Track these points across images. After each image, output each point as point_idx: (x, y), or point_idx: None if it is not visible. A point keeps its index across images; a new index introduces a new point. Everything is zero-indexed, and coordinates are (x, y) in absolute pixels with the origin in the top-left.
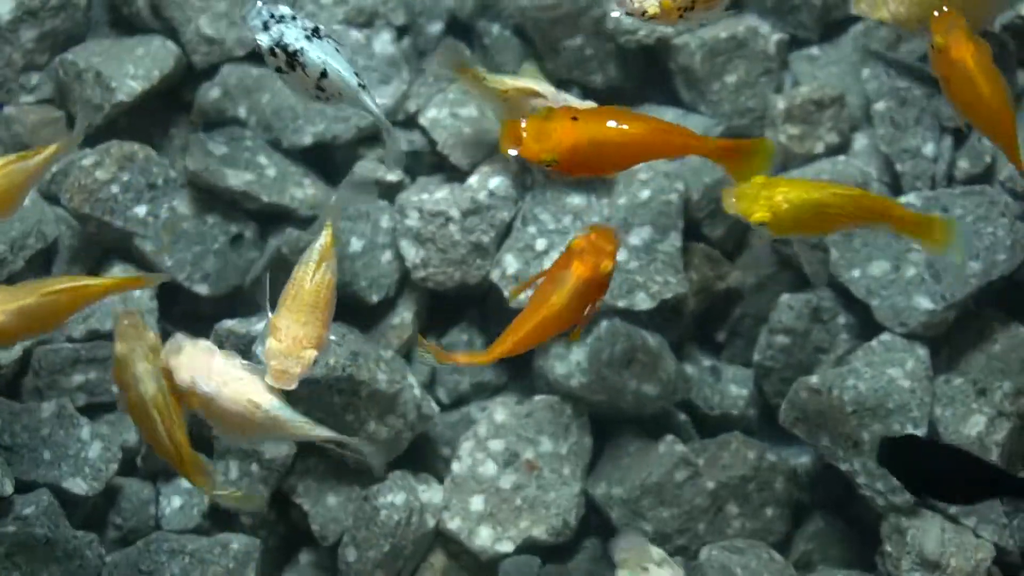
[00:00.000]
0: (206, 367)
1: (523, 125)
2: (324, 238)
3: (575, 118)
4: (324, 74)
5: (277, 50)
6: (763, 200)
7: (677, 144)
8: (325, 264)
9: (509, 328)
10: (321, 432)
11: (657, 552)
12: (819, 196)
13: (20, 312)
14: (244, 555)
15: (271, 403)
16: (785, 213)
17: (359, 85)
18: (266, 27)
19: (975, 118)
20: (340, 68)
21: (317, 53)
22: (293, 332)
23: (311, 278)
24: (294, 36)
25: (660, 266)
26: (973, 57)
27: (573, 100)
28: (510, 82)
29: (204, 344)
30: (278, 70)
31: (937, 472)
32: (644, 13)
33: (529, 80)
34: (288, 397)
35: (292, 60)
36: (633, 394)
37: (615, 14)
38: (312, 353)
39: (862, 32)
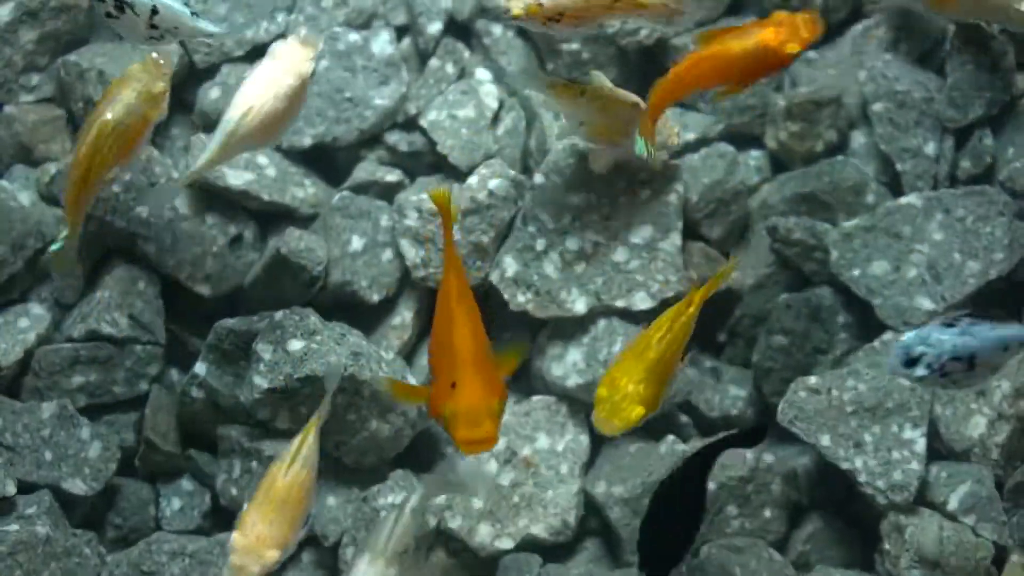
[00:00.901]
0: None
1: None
2: (301, 435)
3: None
4: (155, 11)
5: None
6: (626, 402)
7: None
8: (302, 459)
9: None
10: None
11: None
12: (655, 353)
13: None
14: None
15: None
16: (650, 392)
17: (192, 14)
18: None
19: None
20: (169, 2)
21: None
22: (259, 530)
23: (284, 473)
24: None
25: (660, 265)
26: None
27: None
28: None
29: (303, 68)
30: (107, 15)
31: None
32: (507, 11)
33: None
34: (291, 398)
35: (120, 2)
36: None
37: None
38: (274, 555)
39: (860, 34)
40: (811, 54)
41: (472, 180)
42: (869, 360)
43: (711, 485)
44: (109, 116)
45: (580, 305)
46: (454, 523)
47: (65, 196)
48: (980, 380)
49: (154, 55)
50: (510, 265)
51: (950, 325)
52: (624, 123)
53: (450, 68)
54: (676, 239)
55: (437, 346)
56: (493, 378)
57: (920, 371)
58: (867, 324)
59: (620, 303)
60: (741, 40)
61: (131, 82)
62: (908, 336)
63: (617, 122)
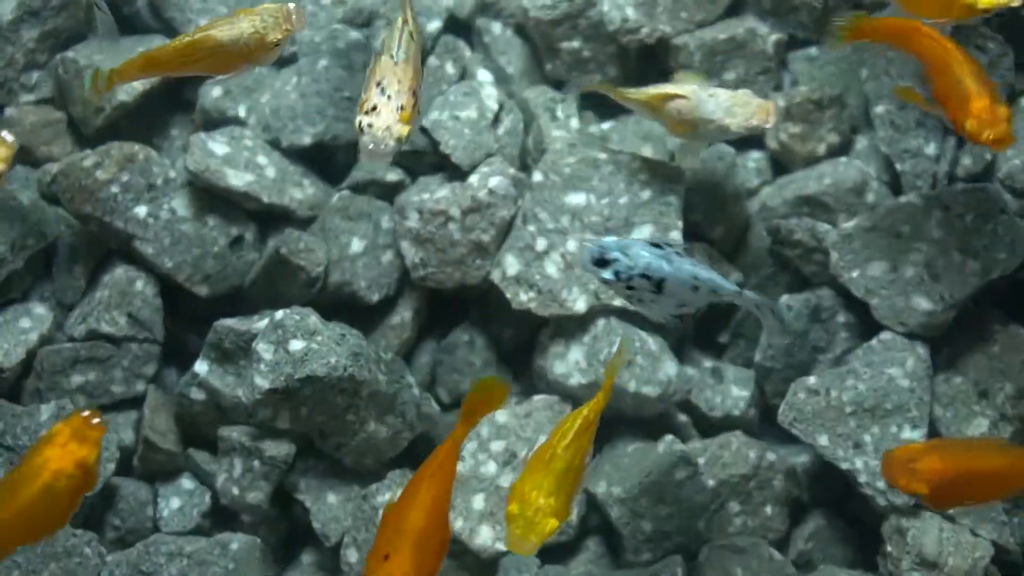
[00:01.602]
0: None
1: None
2: None
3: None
4: None
5: None
6: (539, 516)
7: None
8: None
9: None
10: None
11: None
12: (561, 463)
13: None
14: (244, 555)
15: None
16: (561, 502)
17: None
18: None
19: None
20: None
21: None
22: None
23: None
24: None
25: None
26: None
27: (721, 92)
28: (649, 91)
29: None
30: None
31: None
32: (400, 139)
33: (669, 85)
34: (291, 398)
35: None
36: (633, 395)
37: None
38: None
39: None
40: (812, 51)
41: (473, 179)
42: (867, 359)
43: (710, 482)
44: (216, 35)
45: (581, 304)
46: (456, 525)
47: (135, 60)
48: (666, 310)
49: (291, 5)
50: (511, 264)
51: (657, 247)
52: (676, 114)
53: (450, 67)
54: (677, 239)
55: (397, 506)
56: (427, 565)
57: (607, 274)
58: (867, 323)
59: (619, 302)
60: (967, 80)
61: (254, 18)
62: (610, 239)
63: (669, 114)
